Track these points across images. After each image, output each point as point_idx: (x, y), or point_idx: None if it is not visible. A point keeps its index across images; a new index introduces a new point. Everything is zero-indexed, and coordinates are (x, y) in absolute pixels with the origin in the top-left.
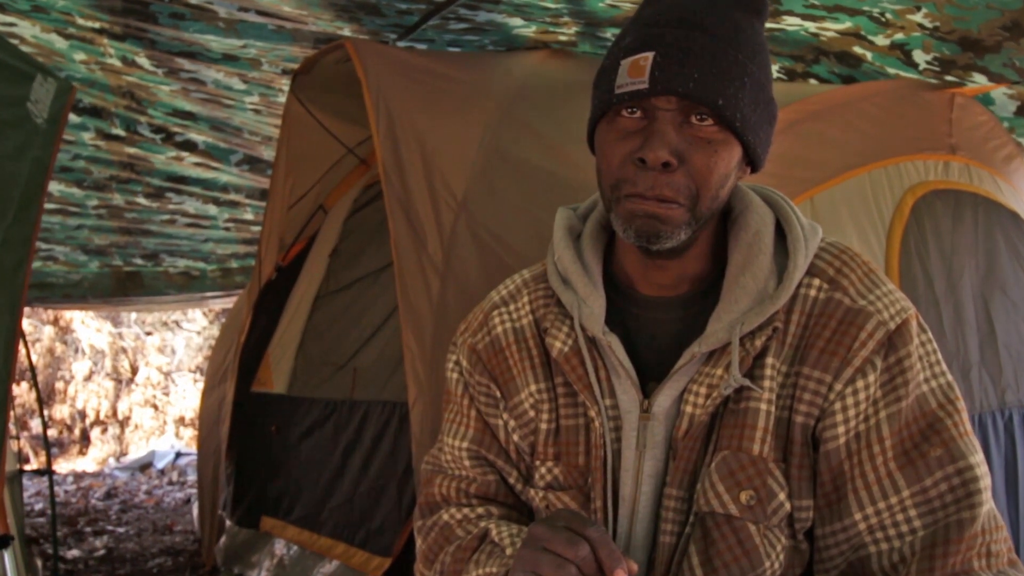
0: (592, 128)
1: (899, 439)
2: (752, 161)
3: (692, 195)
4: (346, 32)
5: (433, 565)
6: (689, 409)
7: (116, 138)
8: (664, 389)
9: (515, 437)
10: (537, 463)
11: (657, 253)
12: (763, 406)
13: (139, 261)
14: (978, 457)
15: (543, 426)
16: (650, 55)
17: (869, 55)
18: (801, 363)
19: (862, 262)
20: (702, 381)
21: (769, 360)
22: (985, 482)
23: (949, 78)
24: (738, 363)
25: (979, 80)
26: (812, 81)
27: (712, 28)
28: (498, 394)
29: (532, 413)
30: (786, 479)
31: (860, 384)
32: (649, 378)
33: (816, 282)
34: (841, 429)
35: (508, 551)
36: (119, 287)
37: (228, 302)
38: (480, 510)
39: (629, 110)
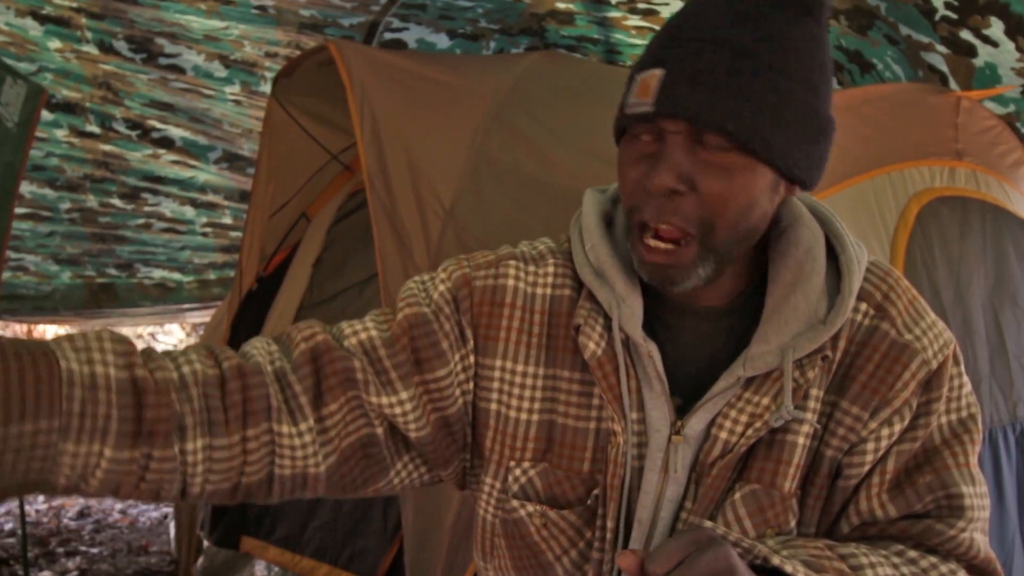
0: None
1: (896, 472)
2: (795, 181)
3: (704, 224)
4: None
5: None
6: (724, 435)
7: (90, 135)
8: (699, 411)
9: (456, 391)
10: (512, 464)
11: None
12: (801, 440)
13: (113, 271)
14: (975, 489)
15: (518, 415)
16: (659, 72)
17: (883, 7)
18: (840, 394)
19: (906, 287)
20: (742, 408)
21: (814, 392)
22: (977, 513)
23: (963, 35)
24: (791, 394)
25: (996, 28)
26: None
27: (733, 41)
28: (471, 344)
29: (497, 393)
30: (800, 507)
31: (897, 428)
32: (674, 392)
33: (863, 307)
34: (867, 468)
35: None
36: (92, 299)
37: (205, 315)
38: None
39: (642, 131)
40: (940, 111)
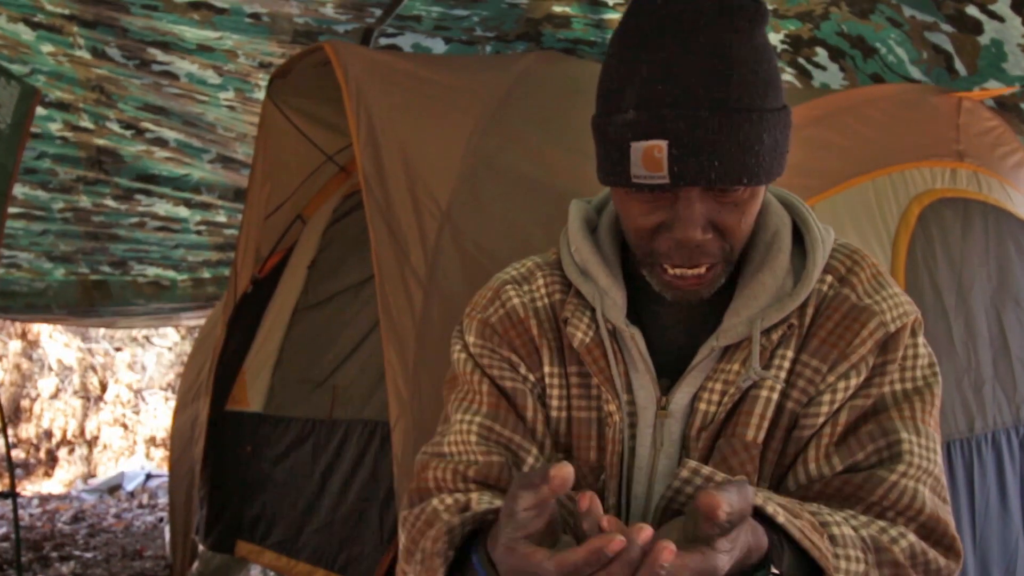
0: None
1: (845, 426)
2: None
3: (727, 251)
4: (328, 10)
5: (414, 556)
6: (703, 407)
7: (84, 130)
8: (682, 386)
9: (543, 410)
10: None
11: None
12: (764, 392)
13: (106, 268)
14: (918, 439)
15: (552, 413)
16: (663, 145)
17: None
18: (801, 350)
19: (871, 263)
20: (717, 378)
21: (779, 351)
22: (919, 461)
23: (969, 11)
24: (758, 356)
25: (1002, 3)
26: (818, 49)
27: (718, 95)
28: (523, 366)
29: (553, 398)
30: (760, 461)
31: (853, 382)
32: (660, 373)
33: (828, 278)
34: (821, 420)
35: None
36: (85, 297)
37: (200, 317)
38: (474, 495)
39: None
40: (941, 112)
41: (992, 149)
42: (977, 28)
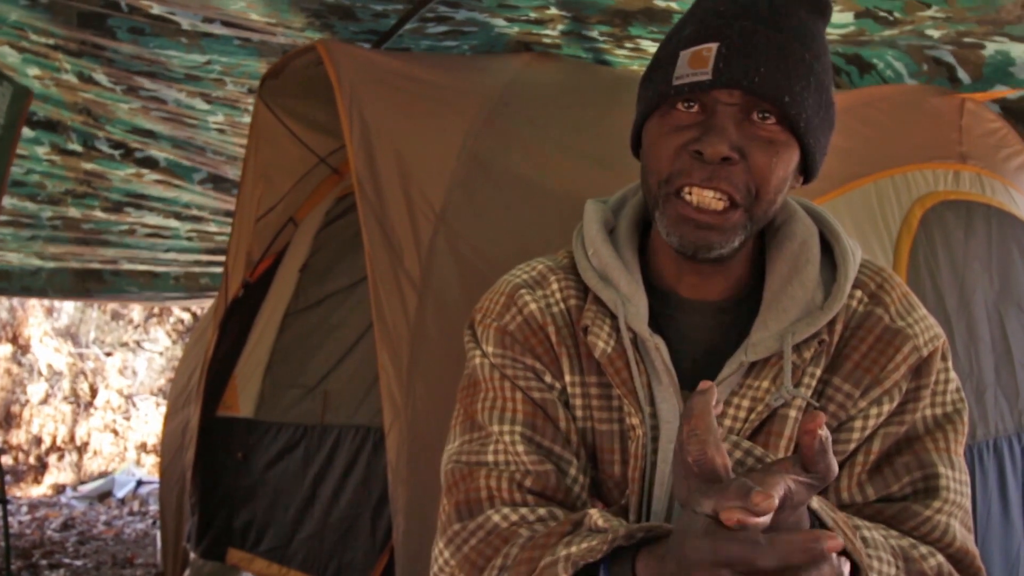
0: (639, 125)
1: (879, 454)
2: (807, 169)
3: (751, 193)
4: None
5: (484, 571)
6: (727, 423)
7: (72, 153)
8: None
9: (573, 421)
10: None
11: (703, 259)
12: (793, 412)
13: (96, 265)
14: (953, 473)
15: (583, 425)
16: (714, 46)
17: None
18: (832, 372)
19: (900, 282)
20: (744, 394)
21: (809, 369)
22: (954, 497)
23: (967, 39)
24: (790, 375)
25: (999, 39)
26: None
27: (778, 23)
28: (547, 375)
29: (577, 408)
30: None
31: (886, 408)
32: (682, 386)
33: (858, 294)
34: (852, 446)
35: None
36: (79, 283)
37: (197, 300)
38: (542, 511)
39: (686, 104)
40: (944, 113)
41: (995, 151)
42: (978, 45)
